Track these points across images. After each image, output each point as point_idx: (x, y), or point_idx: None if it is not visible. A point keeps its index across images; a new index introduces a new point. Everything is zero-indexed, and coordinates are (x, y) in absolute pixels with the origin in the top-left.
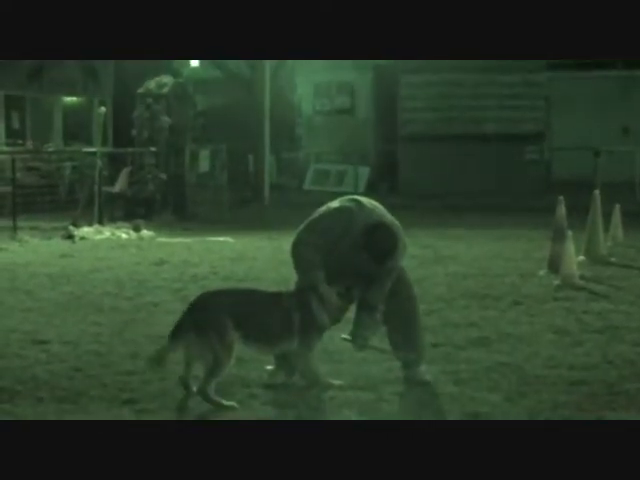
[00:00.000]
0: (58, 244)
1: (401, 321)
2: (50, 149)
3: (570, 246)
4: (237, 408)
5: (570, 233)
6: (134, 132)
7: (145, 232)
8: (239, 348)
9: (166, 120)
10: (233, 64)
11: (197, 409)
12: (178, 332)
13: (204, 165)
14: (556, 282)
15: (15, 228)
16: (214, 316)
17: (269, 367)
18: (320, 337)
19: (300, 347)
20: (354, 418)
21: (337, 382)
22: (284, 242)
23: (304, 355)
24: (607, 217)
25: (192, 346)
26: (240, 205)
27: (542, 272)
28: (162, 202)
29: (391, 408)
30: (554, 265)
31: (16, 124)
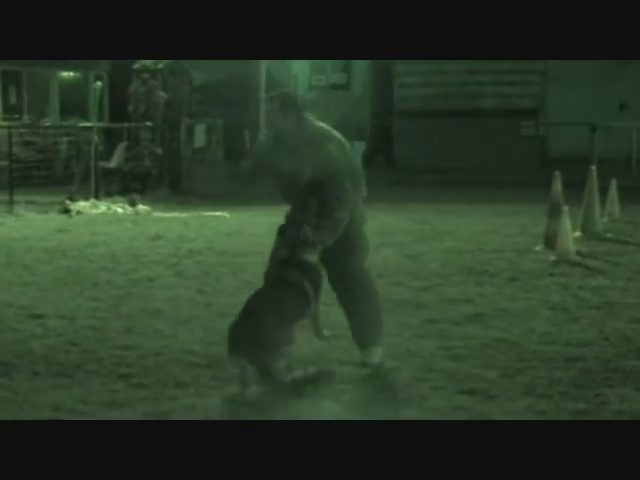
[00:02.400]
0: (54, 218)
1: (349, 300)
2: (47, 124)
3: (566, 222)
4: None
5: (566, 209)
6: (130, 107)
7: (141, 207)
8: None
9: (162, 95)
10: None
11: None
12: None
13: (200, 140)
14: (552, 258)
15: (11, 202)
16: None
17: None
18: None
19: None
20: (349, 393)
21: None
22: (280, 217)
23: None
24: (603, 193)
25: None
26: (236, 180)
27: (538, 248)
28: (158, 177)
29: (386, 384)
30: (550, 241)
31: (13, 99)
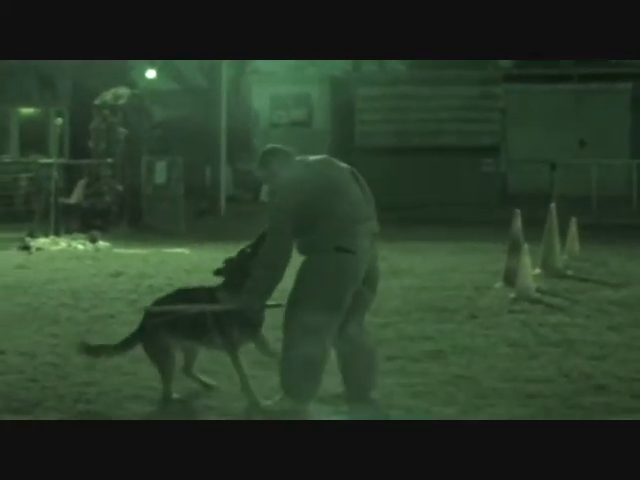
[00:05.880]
0: (14, 255)
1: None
2: (6, 160)
3: (526, 259)
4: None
5: (526, 246)
6: (91, 143)
7: (101, 243)
8: None
9: (122, 131)
10: (190, 75)
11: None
12: None
13: (160, 176)
14: (512, 295)
15: None
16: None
17: None
18: None
19: None
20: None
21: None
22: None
23: None
24: (563, 230)
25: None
26: (196, 217)
27: (498, 285)
28: (118, 213)
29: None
30: (510, 278)
31: None
